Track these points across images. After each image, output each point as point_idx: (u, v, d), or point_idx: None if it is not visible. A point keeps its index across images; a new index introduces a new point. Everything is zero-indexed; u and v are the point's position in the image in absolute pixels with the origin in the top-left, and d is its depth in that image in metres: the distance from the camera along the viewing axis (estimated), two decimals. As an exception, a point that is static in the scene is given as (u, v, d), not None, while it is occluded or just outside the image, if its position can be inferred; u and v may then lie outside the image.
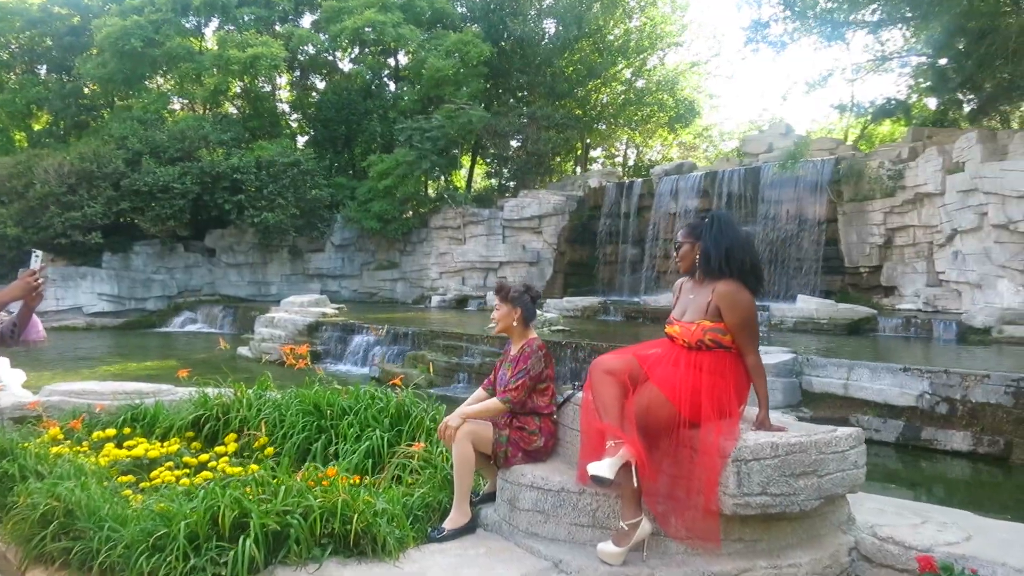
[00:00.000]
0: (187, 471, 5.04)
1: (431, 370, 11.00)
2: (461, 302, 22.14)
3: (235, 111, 28.89)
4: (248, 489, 3.82)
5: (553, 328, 12.05)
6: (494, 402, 4.08)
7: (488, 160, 29.31)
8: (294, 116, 30.66)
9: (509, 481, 4.02)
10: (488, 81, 26.04)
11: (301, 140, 29.44)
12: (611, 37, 27.04)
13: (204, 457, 5.29)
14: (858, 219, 17.94)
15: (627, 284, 23.08)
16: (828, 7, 19.77)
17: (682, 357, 3.71)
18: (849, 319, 13.66)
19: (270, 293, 25.03)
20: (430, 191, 26.53)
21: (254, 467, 5.03)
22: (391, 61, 28.94)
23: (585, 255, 24.28)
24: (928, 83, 26.10)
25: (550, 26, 26.70)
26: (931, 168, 15.77)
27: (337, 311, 15.75)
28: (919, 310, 15.73)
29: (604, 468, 3.46)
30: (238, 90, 28.07)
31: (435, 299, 22.41)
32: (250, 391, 6.05)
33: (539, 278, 23.75)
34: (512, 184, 28.56)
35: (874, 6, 19.89)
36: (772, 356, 7.96)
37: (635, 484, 3.49)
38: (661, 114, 27.84)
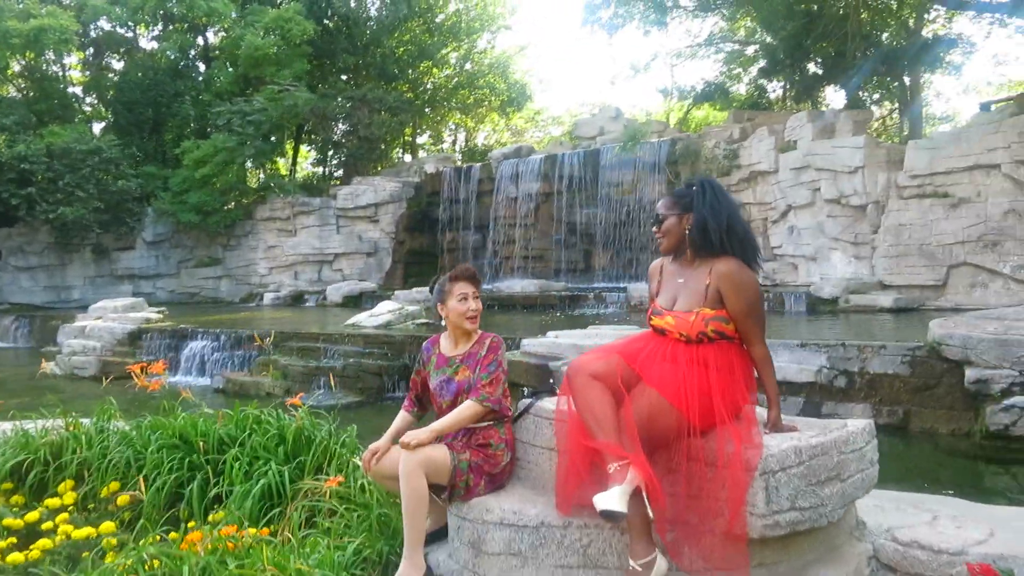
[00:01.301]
0: (12, 540, 3.83)
1: (287, 377, 9.84)
2: (297, 298, 20.64)
3: (16, 93, 25.31)
4: None
5: (417, 322, 11.22)
6: (470, 406, 3.31)
7: (315, 146, 27.62)
8: (88, 99, 27.35)
9: (470, 519, 3.23)
10: (312, 61, 24.41)
11: (98, 126, 26.32)
12: (441, 17, 26.23)
13: (33, 515, 4.08)
14: (696, 198, 18.37)
15: (471, 272, 22.51)
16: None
17: (681, 353, 3.08)
18: (705, 296, 13.83)
19: (72, 299, 22.13)
20: (254, 180, 24.59)
21: (109, 525, 3.91)
22: (200, 40, 26.47)
23: (426, 243, 23.45)
24: (738, 68, 27.71)
25: (377, 4, 25.46)
26: (764, 147, 16.36)
27: (161, 315, 13.96)
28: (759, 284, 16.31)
29: (614, 500, 2.76)
30: (18, 68, 24.56)
31: (268, 296, 20.72)
32: (86, 422, 4.83)
33: (378, 269, 22.69)
34: (341, 171, 27.14)
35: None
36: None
37: (648, 514, 2.83)
38: (493, 98, 27.44)
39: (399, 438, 3.43)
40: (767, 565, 3.04)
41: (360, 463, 4.10)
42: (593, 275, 20.29)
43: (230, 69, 24.18)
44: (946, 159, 12.06)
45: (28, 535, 3.93)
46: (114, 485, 4.30)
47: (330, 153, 28.14)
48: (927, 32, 21.77)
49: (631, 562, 2.83)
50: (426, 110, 27.59)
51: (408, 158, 28.86)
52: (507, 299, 15.90)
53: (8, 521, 4.03)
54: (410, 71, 26.05)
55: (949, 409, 6.54)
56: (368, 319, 11.17)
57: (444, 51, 26.46)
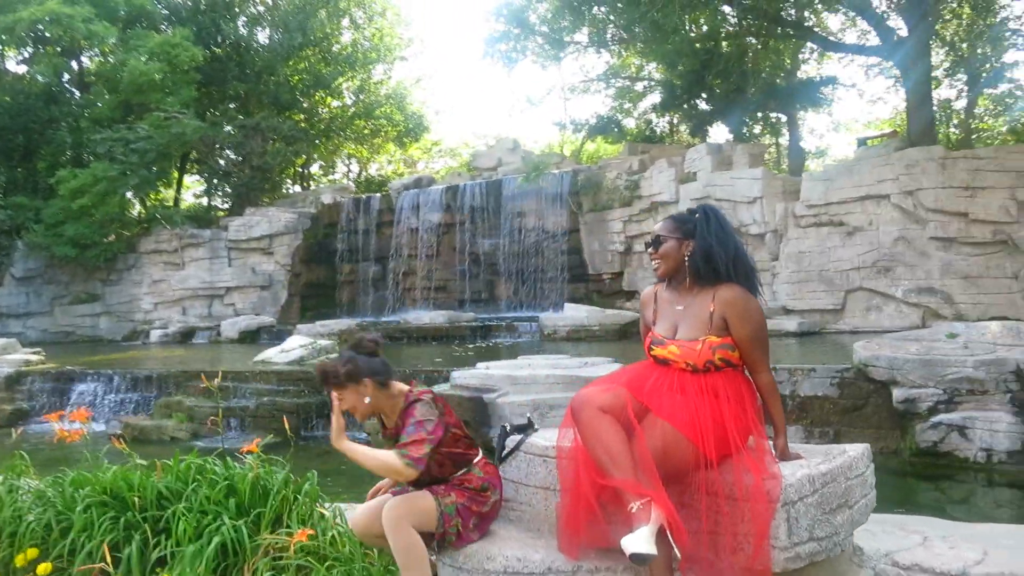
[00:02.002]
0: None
1: (192, 419, 9.16)
2: (187, 335, 19.49)
3: None
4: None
5: (331, 356, 10.71)
6: (390, 456, 2.95)
7: (204, 175, 26.44)
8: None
9: (467, 569, 2.99)
10: (200, 88, 23.42)
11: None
12: (337, 47, 25.80)
13: (-67, 594, 3.52)
14: (599, 228, 18.70)
15: (370, 304, 22.05)
16: (554, 26, 20.57)
17: (689, 383, 2.97)
18: (618, 324, 14.00)
19: (-73, 341, 20.12)
20: (136, 211, 23.24)
21: (34, 601, 3.42)
22: (74, 64, 24.91)
23: (323, 275, 22.79)
24: (628, 103, 28.66)
25: (269, 32, 24.78)
26: (664, 178, 16.84)
27: (40, 356, 12.82)
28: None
29: (642, 541, 2.59)
30: None
31: (155, 333, 19.48)
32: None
33: (272, 303, 21.83)
34: (229, 202, 26.07)
35: (586, 29, 21.11)
36: (599, 368, 7.57)
37: (676, 553, 2.68)
38: (390, 128, 27.15)
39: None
40: (781, 599, 2.96)
41: (325, 514, 3.78)
42: (498, 305, 20.24)
43: (108, 96, 22.84)
44: (839, 190, 12.72)
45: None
46: (32, 552, 3.77)
47: (217, 183, 26.99)
48: (800, 73, 23.22)
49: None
50: (320, 140, 26.97)
51: (297, 189, 28.10)
52: (415, 331, 15.56)
53: (-97, 603, 3.47)
54: (304, 100, 25.41)
55: (877, 428, 6.76)
56: (279, 355, 10.60)
57: (340, 80, 26.00)
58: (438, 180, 24.45)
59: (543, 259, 19.74)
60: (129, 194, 21.98)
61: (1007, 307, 11.30)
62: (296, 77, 25.32)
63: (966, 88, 21.15)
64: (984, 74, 19.45)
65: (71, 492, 3.99)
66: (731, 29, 17.90)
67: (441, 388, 7.90)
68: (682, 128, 27.41)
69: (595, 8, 19.54)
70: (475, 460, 3.15)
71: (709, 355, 2.95)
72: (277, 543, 3.56)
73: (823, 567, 3.12)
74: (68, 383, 10.87)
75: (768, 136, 26.48)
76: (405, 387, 3.16)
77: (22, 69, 25.65)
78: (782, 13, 15.93)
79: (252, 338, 17.88)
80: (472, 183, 21.28)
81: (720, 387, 2.94)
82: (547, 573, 2.89)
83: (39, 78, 23.44)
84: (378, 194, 23.20)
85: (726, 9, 17.49)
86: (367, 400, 3.12)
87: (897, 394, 6.50)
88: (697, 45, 14.96)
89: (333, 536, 3.52)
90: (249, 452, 3.85)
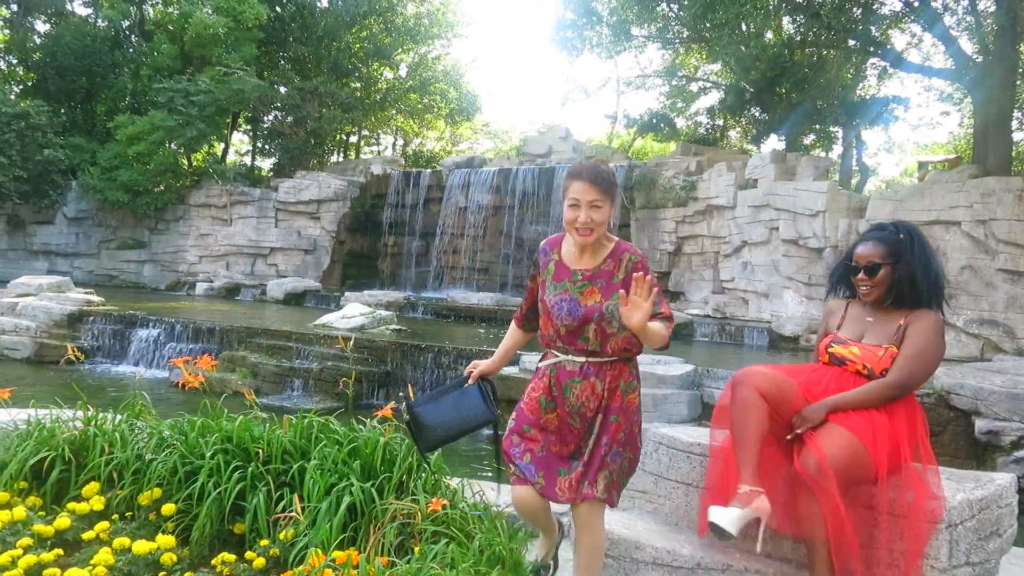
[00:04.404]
0: (58, 552, 3.37)
1: (256, 375, 9.27)
2: (232, 291, 19.69)
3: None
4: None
5: (392, 327, 10.78)
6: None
7: (260, 135, 26.59)
8: (6, 59, 25.49)
9: (614, 556, 3.02)
10: (261, 48, 23.52)
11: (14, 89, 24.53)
12: (400, 18, 25.78)
13: (63, 522, 3.60)
14: (650, 226, 18.62)
15: (412, 278, 22.12)
16: (620, 16, 20.41)
17: (852, 385, 2.98)
18: (669, 324, 13.95)
19: (-22, 271, 20.53)
20: (187, 163, 23.42)
21: (168, 539, 3.51)
22: (136, 11, 25.07)
23: (366, 245, 22.90)
24: (681, 102, 28.45)
25: (335, -4, 24.83)
26: (723, 183, 16.71)
27: (101, 299, 13.00)
28: (707, 316, 16.59)
29: (728, 518, 2.66)
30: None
31: (201, 286, 19.69)
32: (113, 417, 4.33)
33: (315, 268, 21.99)
34: (274, 164, 26.21)
35: (659, 24, 20.96)
36: (672, 368, 7.58)
37: (762, 538, 2.73)
38: (443, 105, 27.13)
39: (508, 356, 3.25)
40: (924, 621, 2.96)
41: (453, 485, 3.82)
42: (539, 293, 20.19)
43: (168, 46, 22.98)
44: (909, 212, 12.56)
45: (57, 544, 3.46)
46: (156, 492, 3.85)
47: (264, 143, 27.13)
48: (860, 89, 22.91)
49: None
50: (379, 111, 27.01)
51: (340, 157, 28.18)
52: (463, 310, 15.61)
53: (39, 528, 3.55)
54: (363, 69, 25.43)
55: (953, 456, 6.71)
56: (340, 320, 10.68)
57: (399, 52, 26.00)
58: (489, 162, 24.45)
59: (589, 251, 19.65)
60: (174, 145, 22.14)
61: (1069, 347, 11.16)
62: (357, 45, 25.34)
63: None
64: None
65: (195, 438, 4.06)
66: (803, 38, 17.71)
67: (509, 370, 7.94)
68: (731, 134, 27.26)
69: (662, 5, 19.42)
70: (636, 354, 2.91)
71: (888, 363, 2.94)
72: (404, 509, 3.61)
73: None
74: (130, 327, 11.03)
75: (820, 150, 26.24)
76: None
77: (88, 12, 25.89)
78: (850, 25, 15.75)
79: (297, 300, 18.02)
80: (525, 168, 21.22)
81: (894, 404, 2.93)
82: (696, 569, 2.91)
83: (100, 23, 23.64)
84: (429, 170, 23.20)
85: (799, 18, 17.38)
86: (606, 224, 2.81)
87: (980, 425, 6.45)
88: (774, 52, 14.77)
89: (462, 509, 3.57)
90: (384, 417, 3.90)
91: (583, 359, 2.78)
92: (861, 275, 3.07)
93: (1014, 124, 20.60)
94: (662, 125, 26.66)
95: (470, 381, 3.13)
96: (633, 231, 18.91)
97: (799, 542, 2.89)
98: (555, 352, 2.87)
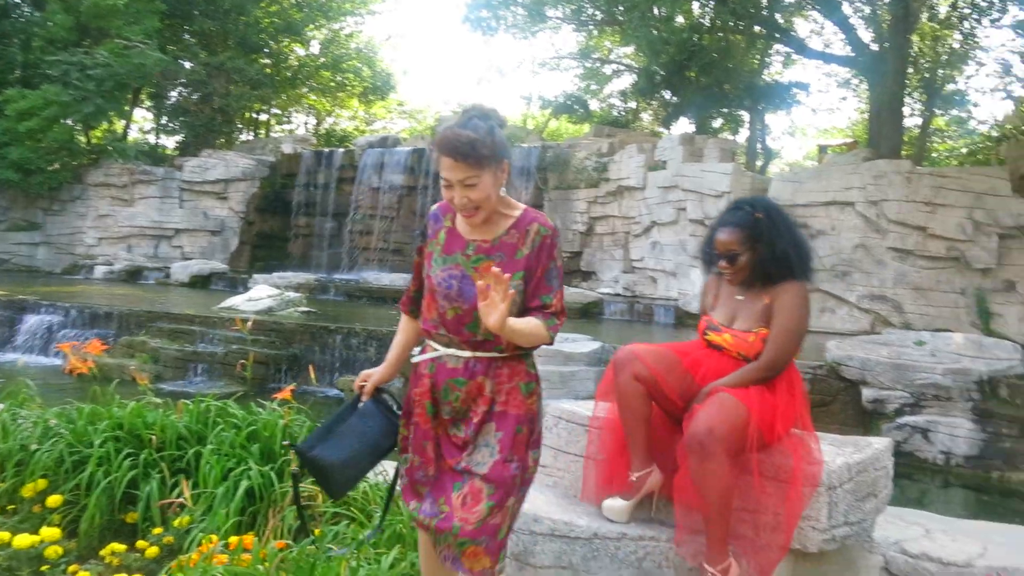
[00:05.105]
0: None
1: (157, 361, 8.97)
2: (134, 273, 18.91)
3: None
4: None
5: (301, 309, 10.57)
6: (539, 328, 2.28)
7: (164, 112, 25.50)
8: None
9: (514, 530, 3.06)
10: (164, 20, 22.51)
11: None
12: (312, -7, 25.14)
13: (-64, 517, 3.43)
14: (563, 207, 18.80)
15: (324, 260, 21.72)
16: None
17: (731, 369, 3.08)
18: (580, 303, 14.18)
19: None
20: (84, 141, 22.26)
21: (53, 531, 3.39)
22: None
23: (276, 226, 22.33)
24: (595, 84, 28.78)
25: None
26: (634, 164, 17.00)
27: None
28: (617, 294, 16.91)
29: (616, 511, 2.94)
30: None
31: (100, 269, 18.84)
32: (-5, 408, 4.14)
33: (223, 249, 21.32)
34: (179, 142, 25.24)
35: (574, 6, 21.11)
36: (580, 345, 7.71)
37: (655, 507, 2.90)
38: (357, 83, 26.64)
39: (404, 355, 2.58)
40: (805, 579, 3.13)
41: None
42: (454, 274, 20.15)
43: (63, 16, 21.73)
44: (807, 192, 13.08)
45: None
46: (41, 483, 3.70)
47: (168, 121, 26.06)
48: (765, 75, 23.68)
49: (708, 567, 2.80)
50: (284, 88, 26.30)
51: (249, 136, 27.37)
52: (376, 291, 15.46)
53: (-89, 525, 3.37)
54: (273, 45, 24.68)
55: (842, 424, 7.08)
56: (247, 303, 10.41)
57: (311, 28, 25.34)
58: (403, 142, 24.15)
59: (505, 232, 19.71)
60: (70, 122, 21.00)
61: (951, 320, 11.86)
62: (267, 20, 24.55)
63: (923, 107, 21.87)
64: (942, 95, 20.19)
65: (83, 425, 3.92)
66: (711, 23, 18.13)
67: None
68: (643, 116, 27.75)
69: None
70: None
71: (760, 347, 3.01)
72: (304, 492, 3.58)
73: (842, 552, 3.30)
74: (19, 313, 10.47)
75: (727, 132, 27.00)
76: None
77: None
78: (755, 12, 16.24)
79: (203, 283, 17.48)
80: (440, 148, 21.06)
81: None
82: (593, 539, 2.97)
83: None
84: (341, 149, 22.77)
85: (707, 3, 17.81)
86: (495, 194, 2.31)
87: (867, 394, 6.82)
88: (684, 36, 15.09)
89: (365, 490, 3.56)
90: (285, 400, 3.85)
91: (468, 353, 2.30)
92: (723, 263, 3.09)
93: (905, 110, 21.69)
94: (576, 107, 26.92)
95: (364, 397, 2.56)
96: (547, 211, 18.97)
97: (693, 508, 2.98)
98: (435, 344, 2.36)
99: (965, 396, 6.54)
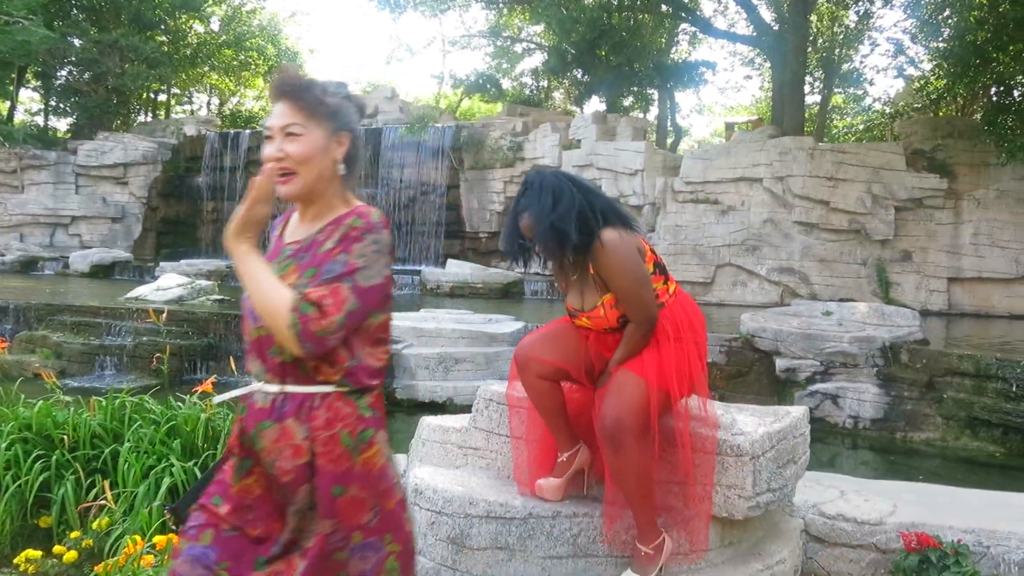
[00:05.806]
0: None
1: (60, 356, 8.53)
2: (28, 264, 17.91)
3: None
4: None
5: (213, 297, 10.22)
6: (286, 297, 1.68)
7: (54, 92, 24.09)
8: None
9: (448, 513, 3.06)
10: (51, -6, 21.24)
11: None
12: (209, -33, 24.12)
13: None
14: (479, 187, 18.76)
15: (235, 246, 21.04)
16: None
17: (613, 340, 2.94)
18: (501, 283, 14.22)
19: None
20: (-34, 124, 20.88)
21: (-42, 541, 3.20)
22: None
23: (183, 212, 21.52)
24: (506, 63, 28.76)
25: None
26: (548, 143, 17.10)
27: None
28: (536, 273, 16.99)
29: (550, 490, 2.98)
30: None
31: (-10, 261, 17.77)
32: None
33: (125, 237, 20.46)
34: (71, 124, 23.94)
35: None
36: (503, 325, 7.74)
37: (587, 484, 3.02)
38: (261, 62, 25.79)
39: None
40: (735, 544, 3.23)
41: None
42: (371, 256, 19.87)
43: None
44: (717, 170, 13.45)
45: None
46: (-58, 490, 3.48)
47: (59, 102, 24.66)
48: (673, 53, 24.16)
49: (640, 546, 2.85)
50: (184, 67, 25.22)
51: (148, 117, 26.20)
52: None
53: None
54: (170, 21, 23.59)
55: (758, 394, 7.36)
56: (155, 292, 9.99)
57: (209, 4, 24.34)
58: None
59: (420, 213, 19.57)
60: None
61: (855, 290, 12.46)
62: (163, -5, 23.48)
63: (822, 85, 22.71)
64: (840, 74, 21.02)
65: (-15, 428, 3.70)
66: (619, 2, 18.33)
67: (341, 336, 7.77)
68: (555, 95, 27.91)
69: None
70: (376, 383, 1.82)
71: (616, 314, 2.84)
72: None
73: (765, 518, 3.43)
74: (-99, 309, 9.75)
75: (639, 111, 27.44)
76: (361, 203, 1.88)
77: None
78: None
79: (106, 273, 16.71)
80: (349, 128, 20.64)
81: (662, 345, 2.93)
82: (528, 519, 2.99)
83: None
84: (248, 130, 22.06)
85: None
86: (326, 170, 1.83)
87: (780, 364, 7.11)
88: (593, 15, 15.22)
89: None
90: (205, 392, 3.72)
91: (276, 387, 1.74)
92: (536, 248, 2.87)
93: (806, 88, 22.49)
94: (488, 86, 26.84)
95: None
96: (463, 192, 19.00)
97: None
98: (249, 377, 1.85)
99: (870, 362, 6.91)
